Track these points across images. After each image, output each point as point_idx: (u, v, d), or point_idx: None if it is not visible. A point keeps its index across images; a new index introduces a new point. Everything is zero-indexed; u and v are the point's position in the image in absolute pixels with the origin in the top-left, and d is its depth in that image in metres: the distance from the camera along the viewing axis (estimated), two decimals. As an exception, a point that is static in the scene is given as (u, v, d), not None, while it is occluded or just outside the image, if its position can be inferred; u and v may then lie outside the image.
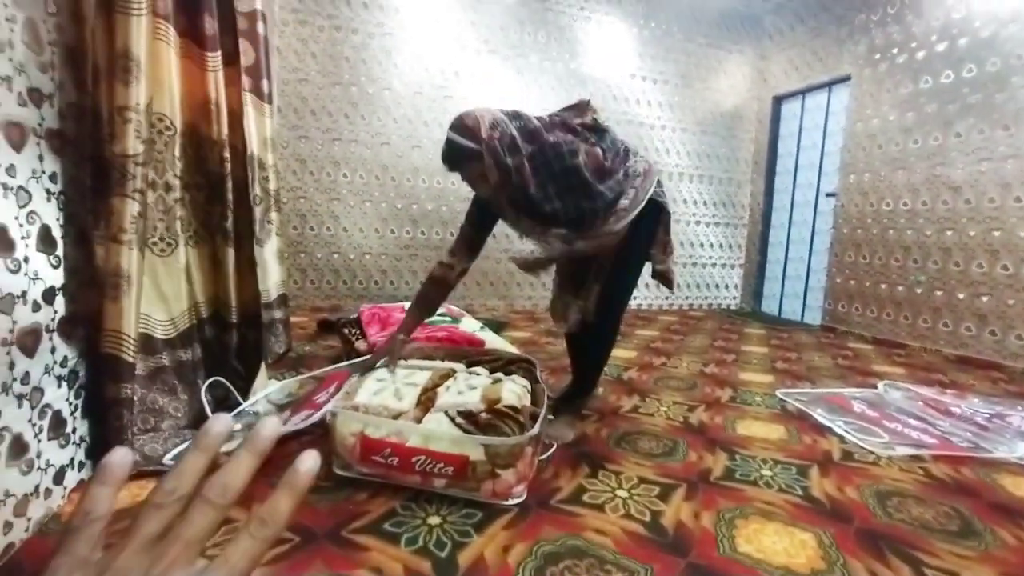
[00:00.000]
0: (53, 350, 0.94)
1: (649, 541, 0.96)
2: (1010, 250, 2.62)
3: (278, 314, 2.07)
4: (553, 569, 0.87)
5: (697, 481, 1.21)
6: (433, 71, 3.62)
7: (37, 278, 0.88)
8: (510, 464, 1.04)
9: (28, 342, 0.86)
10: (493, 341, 2.07)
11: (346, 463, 1.12)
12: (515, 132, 1.19)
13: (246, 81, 1.76)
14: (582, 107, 1.36)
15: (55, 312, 0.94)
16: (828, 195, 3.74)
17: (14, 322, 0.82)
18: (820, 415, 1.70)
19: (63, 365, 0.97)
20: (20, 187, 0.85)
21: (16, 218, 0.84)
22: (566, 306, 1.52)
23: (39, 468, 0.89)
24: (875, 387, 2.11)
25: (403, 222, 3.71)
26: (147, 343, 1.25)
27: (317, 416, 1.22)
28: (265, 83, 1.89)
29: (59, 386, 0.96)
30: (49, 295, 0.92)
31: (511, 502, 1.06)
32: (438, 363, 1.41)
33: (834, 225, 3.64)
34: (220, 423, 0.28)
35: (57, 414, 0.95)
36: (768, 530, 1.01)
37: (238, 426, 1.34)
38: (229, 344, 1.52)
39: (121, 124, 1.04)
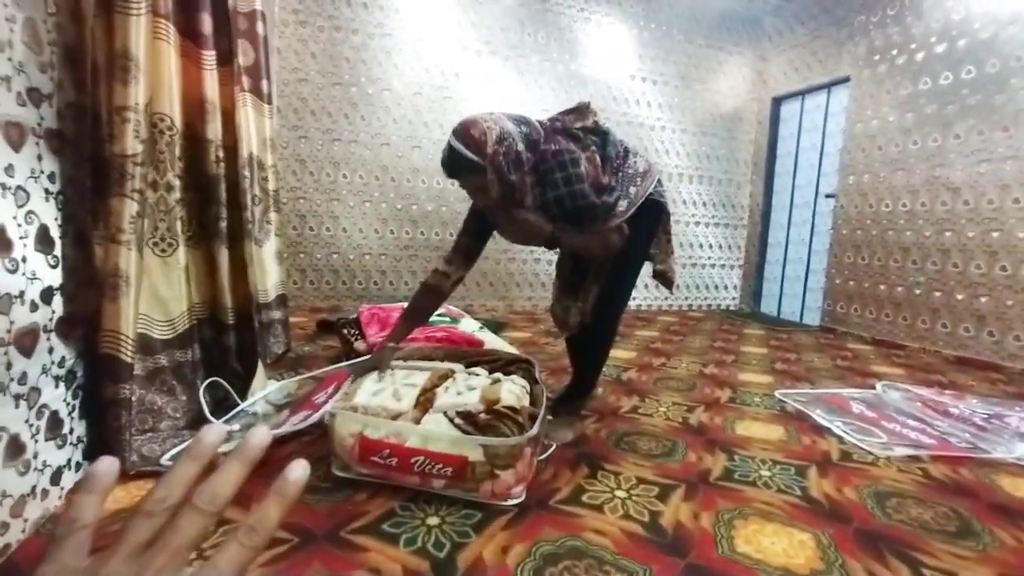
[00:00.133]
0: (51, 350, 0.93)
1: (648, 542, 0.96)
2: (1009, 251, 2.62)
3: (277, 314, 2.07)
4: (552, 570, 0.87)
5: (696, 482, 1.21)
6: (433, 72, 3.62)
7: (35, 278, 0.88)
8: (509, 465, 1.04)
9: (26, 342, 0.86)
10: (492, 341, 2.07)
11: (345, 464, 1.11)
12: (522, 146, 1.15)
13: (246, 81, 1.76)
14: (582, 110, 1.34)
15: (53, 312, 0.94)
16: (827, 196, 3.75)
17: (12, 322, 0.82)
18: (819, 416, 1.70)
19: (61, 365, 0.97)
20: (19, 187, 0.85)
21: (14, 218, 0.83)
22: (566, 310, 1.52)
23: (36, 469, 0.89)
24: (874, 388, 2.11)
25: (403, 223, 3.71)
26: (146, 343, 1.25)
27: (316, 417, 1.22)
28: (265, 83, 1.90)
29: (57, 386, 0.96)
30: (47, 295, 0.92)
31: (510, 503, 1.06)
32: (437, 364, 1.41)
33: (833, 226, 3.65)
34: (213, 433, 0.28)
35: (54, 414, 0.95)
36: (767, 531, 1.01)
37: (236, 427, 1.34)
38: (228, 345, 1.52)
39: (120, 124, 1.04)
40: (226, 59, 1.45)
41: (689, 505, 1.10)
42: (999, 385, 2.33)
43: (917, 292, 3.06)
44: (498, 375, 1.33)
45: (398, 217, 3.69)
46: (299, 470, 0.28)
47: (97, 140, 1.05)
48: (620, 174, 1.30)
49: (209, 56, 1.36)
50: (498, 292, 3.97)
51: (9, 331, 0.82)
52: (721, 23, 4.24)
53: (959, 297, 2.85)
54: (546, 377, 1.98)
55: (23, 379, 0.85)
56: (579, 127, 1.30)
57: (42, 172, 0.91)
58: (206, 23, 1.34)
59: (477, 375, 1.33)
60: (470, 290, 3.87)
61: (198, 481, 0.27)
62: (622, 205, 1.27)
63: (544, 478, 1.19)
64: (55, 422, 0.95)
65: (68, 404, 1.00)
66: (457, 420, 1.09)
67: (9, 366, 0.82)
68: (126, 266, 1.06)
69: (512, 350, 1.82)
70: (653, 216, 1.40)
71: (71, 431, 1.01)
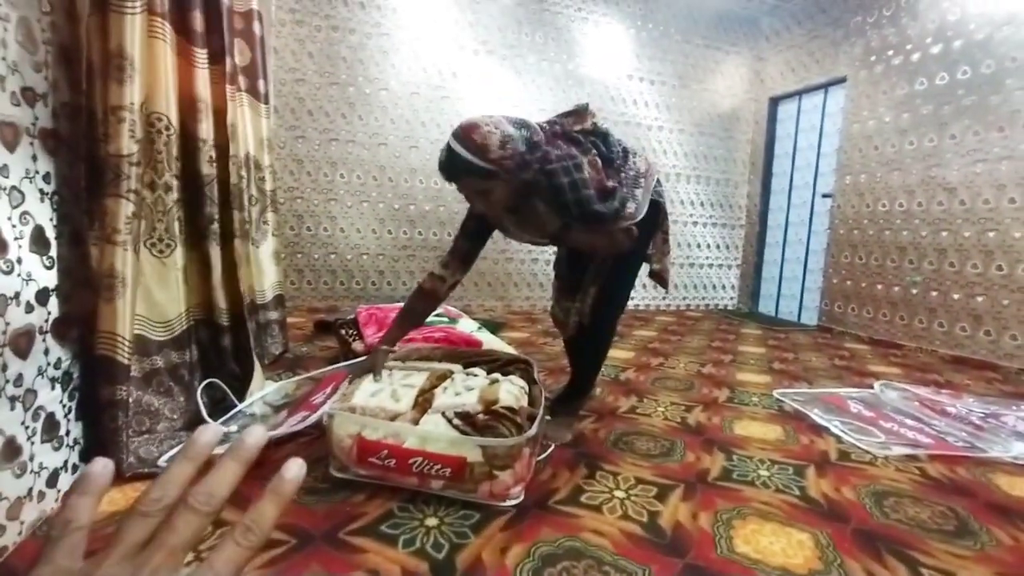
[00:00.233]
0: (47, 352, 0.93)
1: (647, 542, 0.96)
2: (1005, 251, 2.64)
3: (274, 315, 2.06)
4: (551, 570, 0.86)
5: (695, 482, 1.21)
6: (431, 71, 3.62)
7: (30, 279, 0.88)
8: (507, 465, 1.04)
9: (21, 344, 0.85)
10: (490, 342, 2.07)
11: (343, 465, 1.11)
12: (524, 148, 1.14)
13: (243, 81, 1.76)
14: (581, 112, 1.33)
15: (49, 313, 0.93)
16: (824, 196, 3.76)
17: (7, 323, 0.82)
18: (817, 415, 1.71)
19: (57, 367, 0.96)
20: (13, 187, 0.84)
21: (9, 218, 0.83)
22: (566, 312, 1.52)
23: (32, 471, 0.89)
24: (871, 387, 2.11)
25: (400, 223, 3.70)
26: (142, 345, 1.25)
27: (314, 418, 1.22)
28: (261, 83, 1.89)
29: (53, 388, 0.95)
30: (43, 296, 0.91)
31: (508, 503, 1.06)
32: (435, 364, 1.41)
33: (830, 226, 3.66)
34: (208, 433, 0.28)
35: (50, 416, 0.94)
36: (765, 530, 1.02)
37: (234, 428, 1.33)
38: (225, 346, 1.51)
39: (115, 124, 1.04)
40: (218, 57, 1.44)
41: (688, 505, 1.10)
42: (995, 384, 2.34)
43: (914, 292, 3.08)
44: (496, 376, 1.33)
45: (396, 217, 3.69)
46: (295, 468, 0.28)
47: (92, 140, 1.04)
48: (622, 174, 1.29)
49: (201, 54, 1.35)
50: (496, 292, 3.97)
51: (4, 333, 0.81)
52: (718, 23, 4.25)
53: (955, 297, 2.86)
54: (544, 377, 1.98)
55: (19, 381, 0.85)
56: (578, 130, 1.28)
57: (37, 172, 0.90)
58: (198, 20, 1.33)
59: (475, 376, 1.32)
60: (468, 290, 3.87)
61: (194, 481, 0.27)
62: (630, 207, 1.26)
63: (542, 478, 1.19)
64: (51, 424, 0.95)
65: (64, 406, 0.99)
66: (455, 421, 1.09)
67: (4, 368, 0.81)
68: (122, 267, 1.05)
69: (510, 350, 1.81)
70: (651, 216, 1.40)
71: (67, 433, 1.00)
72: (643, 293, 4.31)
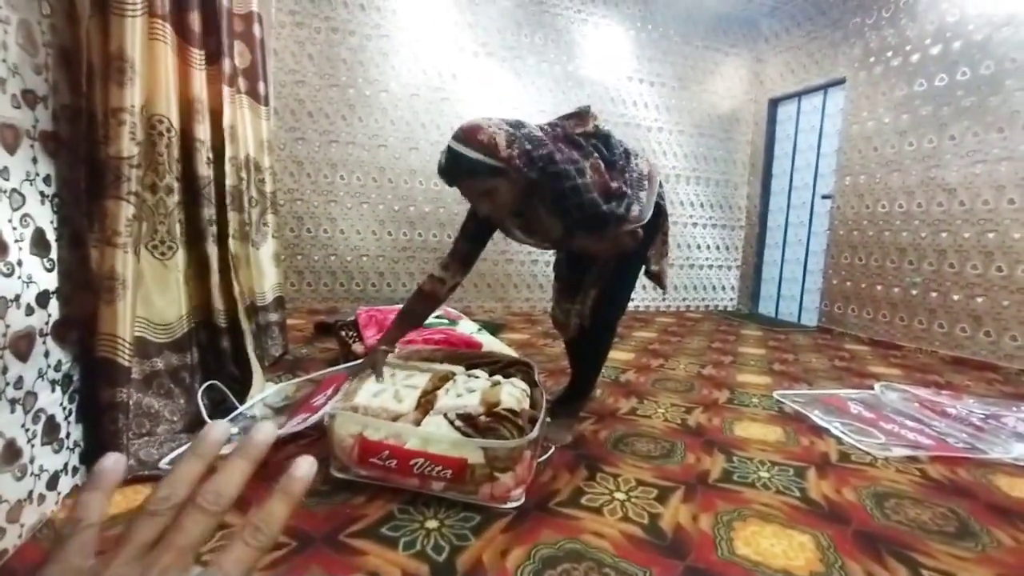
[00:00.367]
0: (47, 354, 0.93)
1: (647, 544, 0.96)
2: (1004, 252, 2.64)
3: (275, 316, 2.06)
4: (551, 572, 0.86)
5: (695, 483, 1.21)
6: (430, 73, 3.62)
7: (31, 281, 0.88)
8: (509, 467, 1.04)
9: (21, 346, 0.85)
10: (490, 343, 2.07)
11: (344, 465, 1.11)
12: (529, 146, 1.14)
13: (242, 83, 1.76)
14: (583, 115, 1.32)
15: (49, 316, 0.93)
16: (824, 197, 3.76)
17: (7, 326, 0.82)
18: (817, 416, 1.70)
19: (57, 369, 0.96)
20: (14, 190, 0.84)
21: (10, 221, 0.83)
22: (566, 313, 1.52)
23: (32, 474, 0.88)
24: (871, 388, 2.11)
25: (400, 224, 3.70)
26: (143, 347, 1.25)
27: (315, 418, 1.22)
28: (262, 85, 1.89)
29: (53, 390, 0.95)
30: (43, 298, 0.91)
31: (509, 505, 1.06)
32: (437, 365, 1.41)
33: (830, 227, 3.66)
34: (217, 430, 0.28)
35: (51, 419, 0.94)
36: (766, 532, 1.01)
37: (235, 430, 1.33)
38: (226, 348, 1.51)
39: (115, 126, 1.04)
40: (215, 58, 1.44)
41: (688, 507, 1.10)
42: (996, 385, 2.34)
43: (914, 293, 3.08)
44: (498, 377, 1.33)
45: (396, 219, 3.69)
46: (305, 466, 0.27)
47: (92, 142, 1.04)
48: (626, 176, 1.29)
49: (198, 54, 1.36)
50: (496, 294, 3.97)
51: (5, 335, 0.81)
52: (718, 24, 4.25)
53: (955, 298, 2.86)
54: (544, 379, 1.98)
55: (19, 383, 0.85)
56: (580, 132, 1.28)
57: (37, 175, 0.90)
58: (195, 20, 1.34)
59: (477, 377, 1.32)
60: (468, 292, 3.87)
61: (202, 479, 0.27)
62: (635, 210, 1.25)
63: (543, 480, 1.19)
64: (52, 426, 0.94)
65: (65, 408, 0.99)
66: (457, 422, 1.09)
67: (5, 370, 0.81)
68: (122, 269, 1.05)
69: (511, 352, 1.81)
70: (653, 218, 1.40)
71: (68, 435, 1.00)
72: (643, 295, 4.31)
